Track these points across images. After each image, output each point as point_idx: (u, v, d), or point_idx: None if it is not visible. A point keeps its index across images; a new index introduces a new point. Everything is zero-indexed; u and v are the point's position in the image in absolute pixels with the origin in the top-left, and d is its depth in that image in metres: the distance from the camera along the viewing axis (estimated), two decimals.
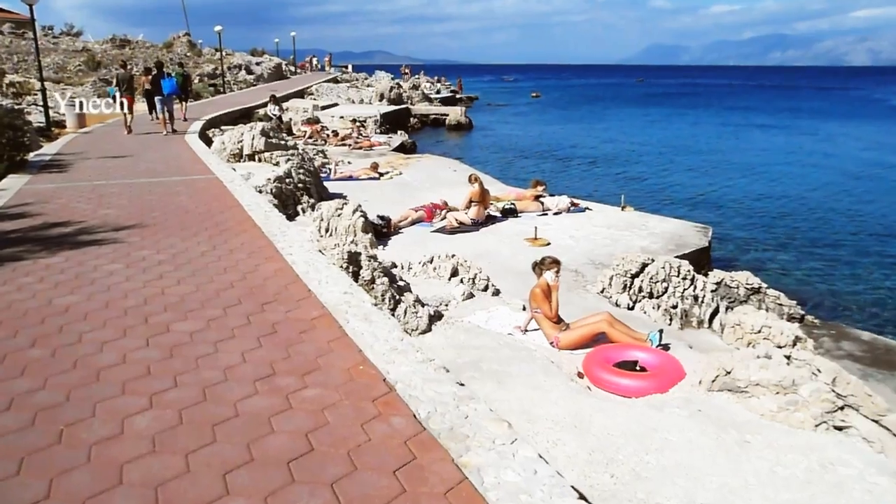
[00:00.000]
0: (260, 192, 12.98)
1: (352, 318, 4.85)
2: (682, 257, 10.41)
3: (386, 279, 7.38)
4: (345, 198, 16.07)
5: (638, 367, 6.47)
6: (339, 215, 12.24)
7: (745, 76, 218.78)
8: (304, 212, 14.47)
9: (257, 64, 54.54)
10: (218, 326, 4.84)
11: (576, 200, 14.61)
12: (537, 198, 14.56)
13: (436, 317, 7.51)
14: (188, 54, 48.50)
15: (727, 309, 8.19)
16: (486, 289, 9.32)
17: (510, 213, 13.88)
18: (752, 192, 22.65)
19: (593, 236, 12.08)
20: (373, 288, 7.29)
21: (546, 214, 13.92)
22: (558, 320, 7.39)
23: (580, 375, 6.52)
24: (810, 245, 15.79)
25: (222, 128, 24.42)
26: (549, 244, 11.68)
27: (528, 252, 11.23)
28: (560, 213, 13.99)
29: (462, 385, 3.73)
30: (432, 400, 3.57)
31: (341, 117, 32.58)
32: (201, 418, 3.53)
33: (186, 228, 8.24)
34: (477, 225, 13.03)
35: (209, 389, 3.84)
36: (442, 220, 13.47)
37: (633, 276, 8.90)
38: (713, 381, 5.48)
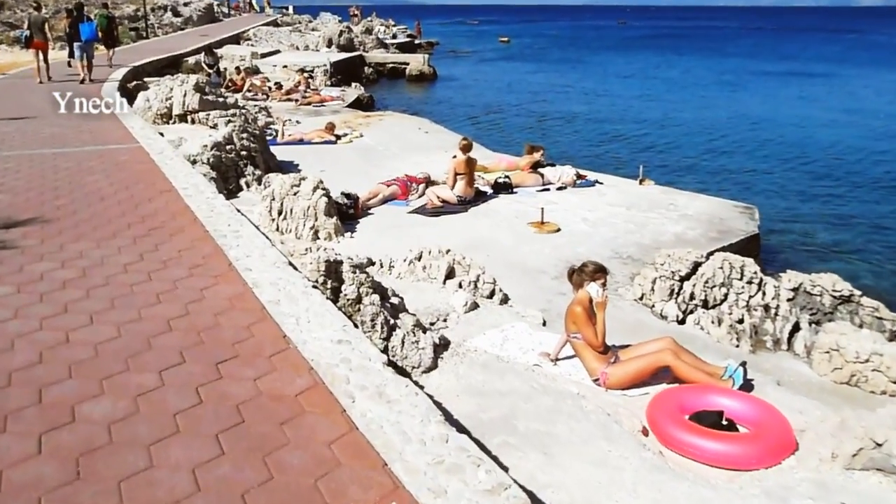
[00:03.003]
0: (194, 162, 11.59)
1: (358, 392, 3.56)
2: (727, 248, 9.33)
3: (376, 297, 6.10)
4: (297, 167, 14.76)
5: (724, 422, 5.33)
6: (295, 194, 10.90)
7: (739, 17, 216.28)
8: (248, 186, 13.07)
9: (185, 5, 52.33)
10: (152, 409, 3.51)
11: (582, 172, 13.37)
12: (534, 168, 13.31)
13: (441, 345, 6.26)
14: None
15: (811, 324, 7.09)
16: (491, 295, 8.10)
17: (503, 188, 12.61)
18: (781, 155, 21.05)
19: (612, 219, 10.89)
20: (359, 309, 6.02)
21: (548, 189, 12.65)
22: (605, 349, 6.20)
23: (644, 432, 5.36)
24: (875, 226, 14.09)
25: (145, 80, 22.79)
26: (559, 230, 10.47)
27: (534, 241, 10.02)
28: (564, 187, 12.74)
29: None
30: None
31: (284, 66, 30.94)
32: None
33: (103, 225, 6.83)
34: (465, 204, 11.76)
35: None
36: (420, 196, 12.18)
37: (683, 280, 7.75)
38: (854, 455, 4.36)
